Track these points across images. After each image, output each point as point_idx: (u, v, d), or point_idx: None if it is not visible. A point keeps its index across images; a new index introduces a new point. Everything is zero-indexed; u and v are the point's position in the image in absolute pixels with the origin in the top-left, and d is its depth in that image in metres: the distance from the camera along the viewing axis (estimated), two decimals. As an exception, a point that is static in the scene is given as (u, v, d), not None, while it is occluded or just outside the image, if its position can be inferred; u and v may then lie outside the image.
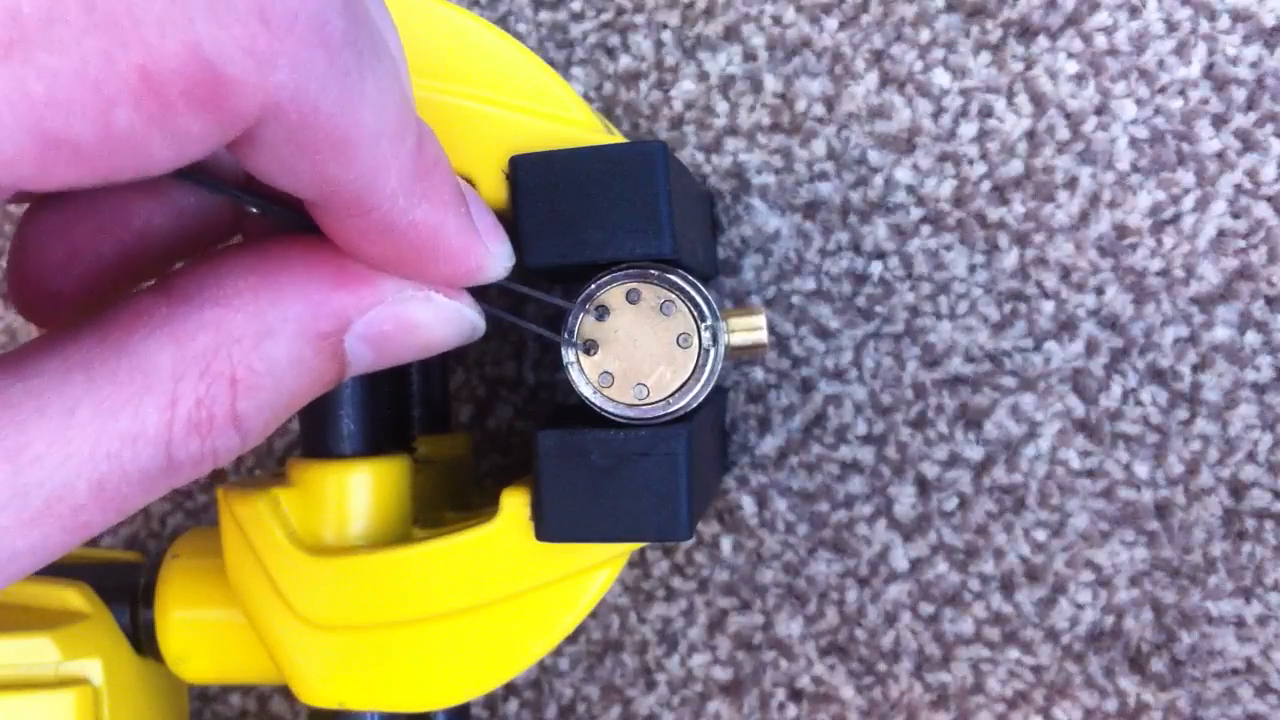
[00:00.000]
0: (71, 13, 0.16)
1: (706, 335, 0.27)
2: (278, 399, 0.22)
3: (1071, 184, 0.37)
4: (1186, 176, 0.36)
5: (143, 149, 0.17)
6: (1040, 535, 0.38)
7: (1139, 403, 0.37)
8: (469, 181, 0.27)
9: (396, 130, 0.20)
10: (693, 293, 0.27)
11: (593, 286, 0.27)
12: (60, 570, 0.35)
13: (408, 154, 0.20)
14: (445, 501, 0.35)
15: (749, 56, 0.39)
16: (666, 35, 0.39)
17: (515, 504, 0.28)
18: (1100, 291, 0.37)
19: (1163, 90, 0.37)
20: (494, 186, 0.27)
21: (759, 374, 0.39)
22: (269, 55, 0.17)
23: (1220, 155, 0.36)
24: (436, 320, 0.24)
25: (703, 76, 0.39)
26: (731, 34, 0.39)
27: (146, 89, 0.17)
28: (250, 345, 0.21)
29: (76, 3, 0.16)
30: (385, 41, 0.20)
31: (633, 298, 0.27)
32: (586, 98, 0.40)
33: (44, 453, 0.19)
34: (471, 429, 0.42)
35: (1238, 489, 0.37)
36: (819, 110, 0.38)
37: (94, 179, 0.17)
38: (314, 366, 0.23)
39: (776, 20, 0.39)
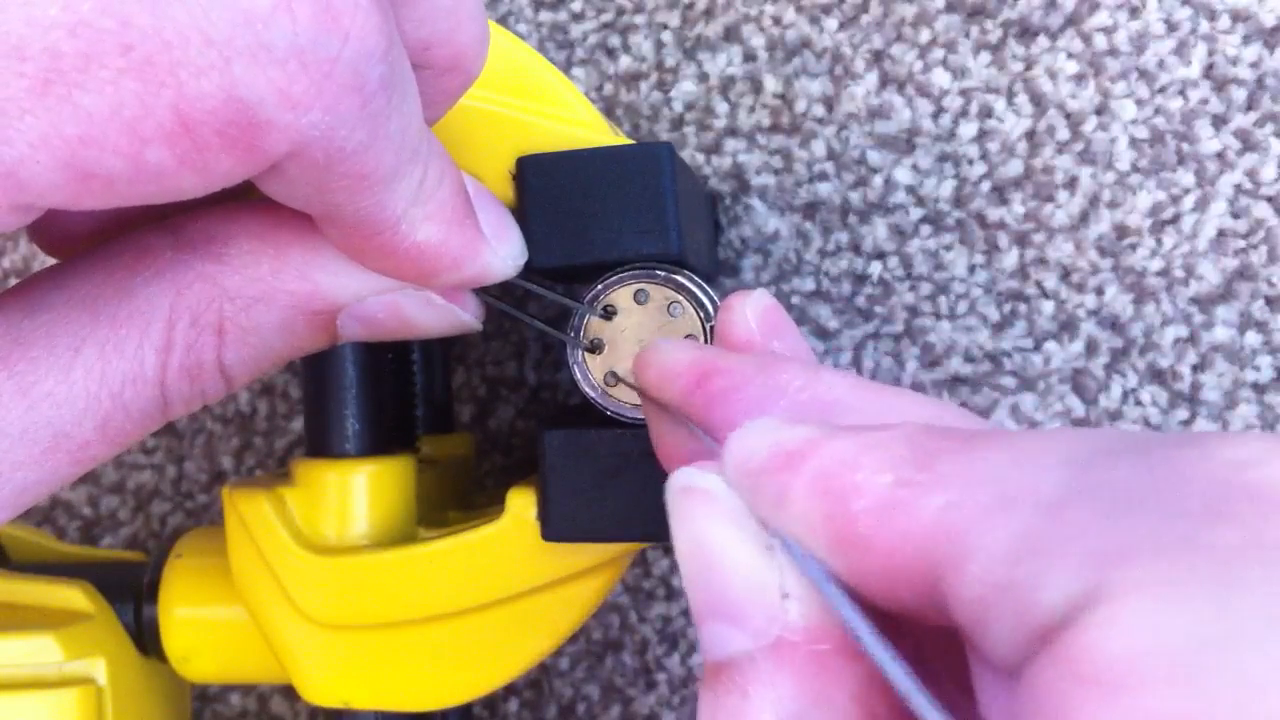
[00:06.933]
0: (109, 54, 0.16)
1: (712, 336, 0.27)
2: (263, 354, 0.23)
3: (1071, 184, 0.37)
4: (1186, 176, 0.37)
5: (172, 181, 0.18)
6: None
7: (1139, 403, 0.37)
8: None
9: (411, 163, 0.20)
10: (699, 294, 0.27)
11: (600, 286, 0.27)
12: (63, 570, 0.35)
13: (416, 183, 0.21)
14: (449, 501, 0.35)
15: (749, 57, 0.39)
16: (667, 36, 0.40)
17: (521, 504, 0.29)
18: (1100, 291, 0.37)
19: (1163, 90, 0.37)
20: (500, 187, 0.27)
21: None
22: (304, 99, 0.17)
23: (1220, 155, 0.36)
24: (430, 317, 0.25)
25: (703, 77, 0.39)
26: (731, 34, 0.39)
27: (180, 129, 0.17)
28: (242, 305, 0.22)
29: (114, 44, 0.16)
30: (410, 75, 0.20)
31: (640, 298, 0.27)
32: (587, 98, 0.40)
33: (53, 389, 0.20)
34: (472, 429, 0.42)
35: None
36: (819, 111, 0.38)
37: (121, 203, 0.18)
38: (302, 334, 0.23)
39: (776, 20, 0.39)
